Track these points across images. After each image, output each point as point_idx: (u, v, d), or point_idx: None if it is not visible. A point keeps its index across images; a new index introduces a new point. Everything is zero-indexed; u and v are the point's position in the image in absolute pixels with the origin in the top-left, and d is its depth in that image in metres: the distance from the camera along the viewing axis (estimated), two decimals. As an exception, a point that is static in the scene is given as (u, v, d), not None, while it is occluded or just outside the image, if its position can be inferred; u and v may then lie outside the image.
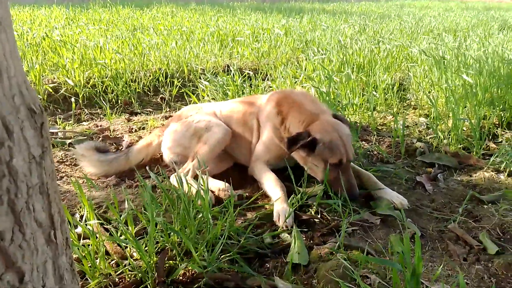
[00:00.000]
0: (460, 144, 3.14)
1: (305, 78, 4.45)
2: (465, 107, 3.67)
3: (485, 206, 2.33)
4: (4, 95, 0.93)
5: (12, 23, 1.02)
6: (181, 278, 1.76)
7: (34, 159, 0.99)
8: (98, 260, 1.74)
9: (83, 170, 2.73)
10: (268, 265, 1.86)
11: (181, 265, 1.74)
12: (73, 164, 2.83)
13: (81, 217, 2.08)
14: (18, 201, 0.93)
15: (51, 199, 1.06)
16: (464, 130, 3.37)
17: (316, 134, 2.35)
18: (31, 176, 0.98)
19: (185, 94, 4.39)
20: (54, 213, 1.07)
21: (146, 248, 1.77)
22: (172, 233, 1.87)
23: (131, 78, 4.66)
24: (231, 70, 4.52)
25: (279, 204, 2.20)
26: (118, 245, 1.90)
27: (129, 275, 1.75)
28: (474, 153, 3.02)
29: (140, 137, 3.27)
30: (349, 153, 2.38)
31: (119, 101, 4.28)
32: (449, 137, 3.21)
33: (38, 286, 1.01)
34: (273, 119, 2.63)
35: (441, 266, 1.80)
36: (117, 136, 3.36)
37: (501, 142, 3.27)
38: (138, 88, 4.57)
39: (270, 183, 2.42)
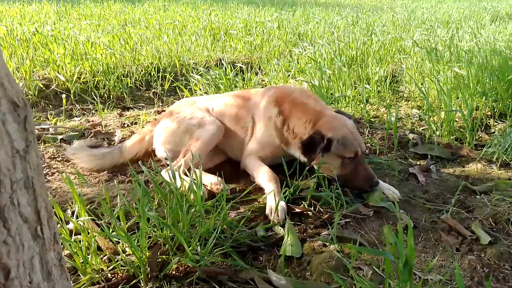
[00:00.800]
0: (453, 135, 3.15)
1: (297, 71, 4.44)
2: (458, 98, 3.67)
3: (478, 197, 2.33)
4: (-15, 88, 0.90)
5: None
6: (174, 272, 1.74)
7: (18, 153, 0.97)
8: (90, 256, 1.73)
9: (76, 165, 2.71)
10: (261, 258, 1.86)
11: (174, 259, 1.72)
12: (64, 160, 2.80)
13: (73, 213, 2.06)
14: (1, 196, 0.91)
15: (37, 193, 1.04)
16: (456, 121, 3.38)
17: (328, 133, 2.32)
18: (15, 170, 0.96)
19: (177, 88, 4.36)
20: (40, 208, 1.05)
21: (138, 243, 1.75)
22: (164, 228, 1.86)
23: (123, 73, 4.62)
24: (223, 64, 4.50)
25: (272, 198, 2.19)
26: (110, 240, 1.89)
27: (122, 270, 1.74)
28: (466, 144, 3.02)
29: (133, 132, 3.25)
30: (362, 145, 2.39)
31: (111, 96, 4.24)
32: (441, 129, 3.21)
33: (25, 282, 0.99)
34: (272, 118, 2.59)
35: (435, 257, 1.81)
36: (109, 131, 3.33)
37: (493, 132, 3.28)
38: (130, 83, 4.54)
39: (264, 176, 2.41)
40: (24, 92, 4.06)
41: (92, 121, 3.51)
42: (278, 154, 2.59)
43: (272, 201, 2.16)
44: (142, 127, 3.37)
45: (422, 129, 3.36)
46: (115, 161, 2.76)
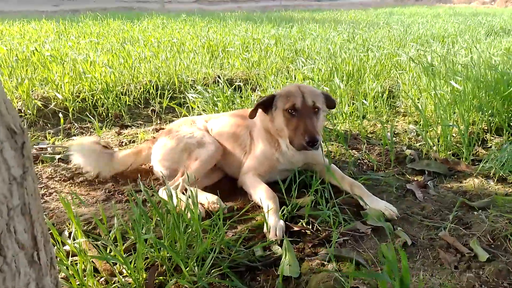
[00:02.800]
0: (450, 151, 3.16)
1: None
2: (454, 113, 3.69)
3: (475, 213, 2.33)
4: (-17, 116, 0.92)
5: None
6: (171, 294, 1.74)
7: (15, 180, 0.98)
8: (86, 278, 1.72)
9: (72, 161, 2.82)
10: (259, 279, 1.85)
11: (171, 280, 1.72)
12: (62, 180, 2.81)
13: (70, 234, 2.06)
14: (-2, 223, 0.92)
15: (33, 219, 1.05)
16: (453, 136, 3.40)
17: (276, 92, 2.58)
18: (12, 197, 0.96)
19: (177, 105, 4.38)
20: (37, 233, 1.06)
21: (135, 265, 1.75)
22: (162, 248, 1.86)
23: (121, 91, 4.65)
24: (221, 81, 4.53)
25: (270, 216, 2.19)
26: (107, 261, 1.88)
27: (119, 292, 1.73)
28: (463, 159, 3.03)
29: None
30: (306, 99, 2.46)
31: (110, 114, 4.26)
32: (438, 144, 3.23)
33: (21, 309, 0.99)
34: (266, 127, 2.67)
35: (433, 275, 1.80)
36: (107, 150, 3.34)
37: (490, 147, 3.29)
38: (129, 101, 4.56)
39: (262, 194, 2.40)
40: (22, 111, 4.08)
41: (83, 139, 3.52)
42: (275, 167, 2.63)
43: (271, 219, 2.16)
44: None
45: (419, 145, 3.37)
46: (106, 165, 2.79)
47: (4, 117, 0.98)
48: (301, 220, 2.25)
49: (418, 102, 4.15)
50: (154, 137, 3.22)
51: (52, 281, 1.13)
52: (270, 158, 2.64)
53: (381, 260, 1.91)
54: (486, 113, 3.65)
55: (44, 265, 1.09)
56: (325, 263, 1.89)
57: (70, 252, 1.89)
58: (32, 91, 4.40)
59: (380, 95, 4.44)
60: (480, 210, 2.36)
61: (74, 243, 1.80)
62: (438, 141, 3.25)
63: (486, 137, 3.50)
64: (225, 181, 2.83)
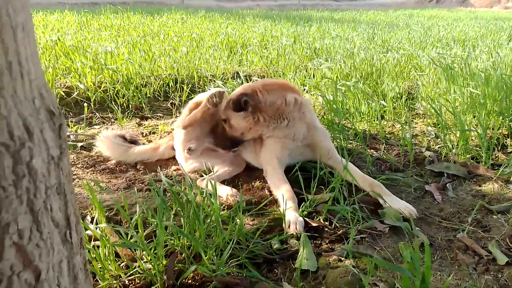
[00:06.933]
0: (469, 154, 3.13)
1: (312, 87, 4.47)
2: (474, 117, 3.66)
3: (495, 216, 2.32)
4: (26, 97, 0.95)
5: (33, 28, 1.05)
6: (190, 281, 1.77)
7: (53, 160, 1.01)
8: (108, 262, 1.76)
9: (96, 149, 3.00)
10: (277, 271, 1.87)
11: (190, 268, 1.75)
12: (84, 167, 2.87)
13: (92, 219, 2.11)
14: (36, 200, 0.96)
15: (67, 199, 1.09)
16: (472, 140, 3.37)
17: None
18: (50, 176, 1.00)
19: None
20: (70, 213, 1.10)
21: (156, 251, 1.79)
22: (181, 237, 1.89)
23: (141, 83, 4.71)
24: (240, 77, 4.55)
25: (290, 212, 2.20)
26: (128, 247, 1.92)
27: (139, 278, 1.77)
28: (483, 163, 3.01)
29: (150, 141, 3.31)
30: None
31: (130, 106, 4.33)
32: (457, 147, 3.20)
33: (54, 285, 1.03)
34: None
35: (450, 275, 1.80)
36: (128, 140, 3.40)
37: (510, 152, 3.26)
38: (149, 93, 4.62)
39: (283, 193, 2.37)
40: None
41: (112, 129, 3.58)
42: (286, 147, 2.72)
43: (290, 214, 2.17)
44: (160, 137, 3.44)
45: (438, 147, 3.35)
46: (119, 154, 2.96)
47: (44, 99, 1.02)
48: (319, 216, 2.26)
49: (437, 105, 4.12)
50: (173, 129, 3.27)
51: (81, 261, 1.17)
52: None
53: (399, 259, 1.92)
54: (507, 118, 3.60)
55: (75, 244, 1.13)
56: (342, 258, 1.90)
57: (92, 237, 1.93)
58: (55, 80, 4.48)
59: (399, 96, 4.41)
60: (499, 214, 2.34)
61: (96, 228, 1.85)
62: (457, 144, 3.22)
63: (506, 142, 3.46)
64: (243, 175, 2.85)
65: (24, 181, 0.92)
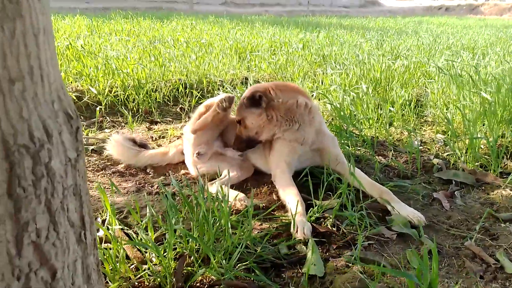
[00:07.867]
0: (478, 162, 3.13)
1: (320, 94, 4.49)
2: (483, 125, 3.65)
3: (503, 225, 2.31)
4: (45, 100, 0.98)
5: (53, 31, 1.08)
6: (198, 284, 1.79)
7: (70, 162, 1.04)
8: (118, 264, 1.79)
9: (106, 152, 3.04)
10: (284, 276, 1.88)
11: (199, 271, 1.77)
12: (95, 170, 2.91)
13: (103, 221, 2.14)
14: (54, 201, 0.99)
15: (83, 200, 1.12)
16: (481, 148, 3.36)
17: None
18: (67, 177, 1.03)
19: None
20: (85, 214, 1.13)
21: (165, 254, 1.81)
22: (190, 240, 1.91)
23: (151, 88, 4.76)
24: (249, 83, 4.58)
25: (298, 217, 2.21)
26: (138, 250, 1.95)
27: (148, 280, 1.79)
28: (491, 171, 3.00)
29: (160, 146, 3.35)
30: None
31: (140, 110, 4.38)
32: (466, 154, 3.20)
33: (68, 284, 1.06)
34: None
35: (458, 283, 1.80)
36: (138, 144, 3.44)
37: (519, 161, 3.24)
38: (159, 98, 4.67)
39: (291, 198, 2.40)
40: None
41: (123, 133, 3.62)
42: (295, 151, 2.72)
43: (299, 220, 2.19)
44: (170, 141, 3.48)
45: (447, 155, 3.35)
46: (129, 158, 2.99)
47: (62, 102, 1.05)
48: (327, 222, 2.27)
49: (446, 112, 4.12)
50: (182, 134, 3.31)
51: (94, 261, 1.20)
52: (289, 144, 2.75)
53: (407, 266, 1.92)
54: (517, 126, 3.59)
55: (89, 244, 1.16)
56: (350, 264, 1.91)
57: (104, 238, 1.96)
58: (67, 84, 4.55)
59: (407, 103, 4.42)
60: (508, 223, 2.33)
61: (108, 229, 1.87)
62: (466, 152, 3.22)
63: (515, 150, 3.44)
64: (250, 180, 2.87)
65: (42, 181, 0.95)
